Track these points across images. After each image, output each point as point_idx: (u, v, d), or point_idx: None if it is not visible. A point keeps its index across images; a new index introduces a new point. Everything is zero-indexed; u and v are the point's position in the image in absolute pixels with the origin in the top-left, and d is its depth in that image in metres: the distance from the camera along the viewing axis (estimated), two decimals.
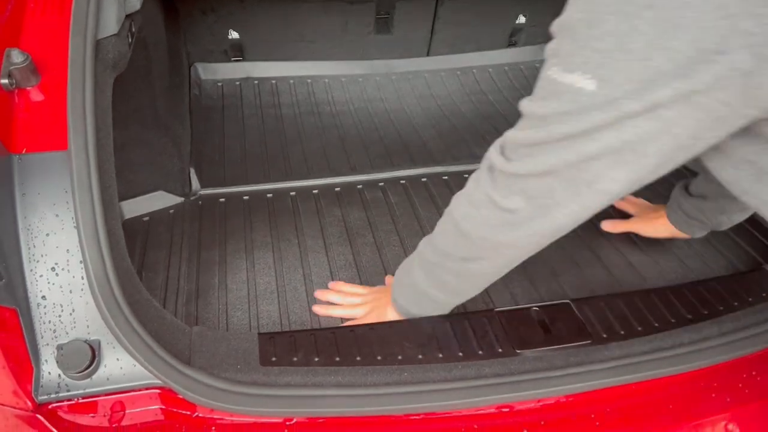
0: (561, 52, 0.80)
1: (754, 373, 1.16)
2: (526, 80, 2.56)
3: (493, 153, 0.96)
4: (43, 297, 1.01)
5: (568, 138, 0.81)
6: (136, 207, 1.67)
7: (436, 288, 1.17)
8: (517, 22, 2.57)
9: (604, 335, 1.17)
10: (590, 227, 1.68)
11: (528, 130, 0.87)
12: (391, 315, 1.27)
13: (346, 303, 1.40)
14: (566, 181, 0.85)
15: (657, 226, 1.55)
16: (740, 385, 1.14)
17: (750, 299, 1.25)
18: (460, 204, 1.07)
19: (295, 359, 1.10)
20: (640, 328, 1.19)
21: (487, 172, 0.98)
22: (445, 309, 1.23)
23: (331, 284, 1.48)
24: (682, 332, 1.18)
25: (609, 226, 1.63)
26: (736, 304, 1.24)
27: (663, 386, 1.13)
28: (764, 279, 1.31)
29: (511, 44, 2.65)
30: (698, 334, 1.17)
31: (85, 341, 1.01)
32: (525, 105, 0.88)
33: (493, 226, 0.97)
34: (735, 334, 1.18)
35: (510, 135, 0.92)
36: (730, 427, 1.11)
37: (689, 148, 0.79)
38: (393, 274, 1.54)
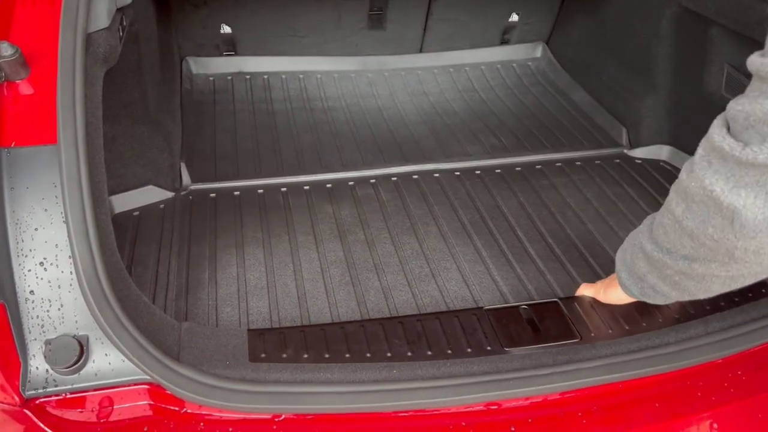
0: None
1: (739, 372, 1.17)
2: (518, 78, 2.57)
3: (715, 134, 0.75)
4: (32, 292, 1.01)
5: None
6: (126, 201, 1.66)
7: (657, 278, 1.02)
8: (509, 19, 2.57)
9: (592, 334, 1.18)
10: (580, 227, 1.69)
11: None
12: (616, 293, 1.18)
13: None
14: None
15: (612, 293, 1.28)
16: (726, 384, 1.15)
17: (736, 299, 1.26)
18: (678, 196, 0.87)
19: (284, 356, 1.10)
20: (627, 327, 1.20)
21: (701, 160, 0.79)
22: (668, 300, 1.08)
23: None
24: (669, 331, 1.18)
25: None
26: (722, 303, 1.25)
27: (650, 385, 1.14)
28: None
29: (504, 42, 2.66)
30: (685, 334, 1.18)
31: (74, 336, 1.01)
32: (764, 62, 0.66)
33: (722, 228, 0.78)
34: (721, 333, 1.19)
35: (743, 108, 0.71)
36: (716, 425, 1.12)
37: None
38: (388, 272, 1.55)
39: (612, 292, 1.22)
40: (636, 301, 1.18)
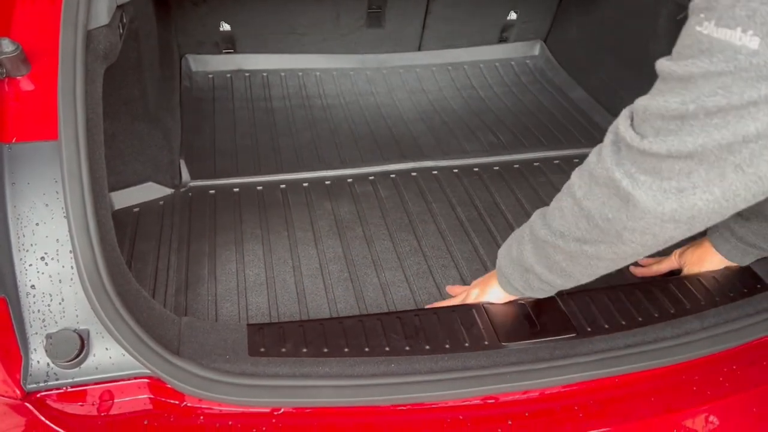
0: (718, 4, 0.69)
1: (734, 367, 1.18)
2: (516, 76, 2.58)
3: (621, 124, 0.86)
4: (32, 286, 1.01)
5: (722, 112, 0.70)
6: (126, 198, 1.67)
7: (543, 267, 1.10)
8: (508, 18, 2.58)
9: (589, 329, 1.19)
10: None
11: (668, 95, 0.76)
12: (495, 291, 1.24)
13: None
14: (711, 164, 0.75)
15: (705, 263, 1.36)
16: (721, 378, 1.16)
17: (731, 294, 1.27)
18: (582, 180, 0.95)
19: (283, 350, 1.11)
20: (623, 322, 1.20)
21: (611, 145, 0.88)
22: (550, 291, 1.18)
23: (447, 288, 1.47)
24: (664, 326, 1.19)
25: (642, 271, 1.48)
26: (718, 299, 1.26)
27: (646, 379, 1.15)
28: (745, 275, 1.33)
29: (502, 40, 2.67)
30: (680, 329, 1.19)
31: (74, 330, 1.01)
32: (665, 65, 0.76)
33: (616, 209, 0.87)
34: (716, 328, 1.19)
35: (643, 103, 0.80)
36: (711, 419, 1.13)
37: None
38: (386, 268, 1.57)
39: (490, 292, 1.25)
40: (530, 300, 1.24)
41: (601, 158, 0.89)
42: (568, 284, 1.12)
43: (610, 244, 0.93)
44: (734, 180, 0.75)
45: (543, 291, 1.18)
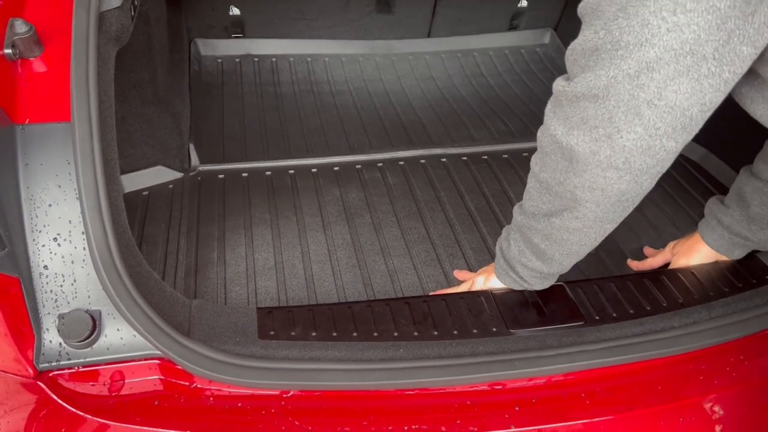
0: None
1: (741, 357, 1.18)
2: (526, 64, 2.56)
3: (556, 82, 0.94)
4: (45, 267, 1.02)
5: (624, 40, 0.78)
6: (136, 181, 1.68)
7: (528, 253, 1.16)
8: (518, 5, 2.56)
9: (597, 317, 1.19)
10: None
11: (585, 31, 0.84)
12: (497, 282, 1.27)
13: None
14: (626, 105, 0.82)
15: (693, 254, 1.36)
16: (728, 368, 1.16)
17: (740, 285, 1.27)
18: (536, 157, 1.04)
19: (292, 333, 1.11)
20: (631, 311, 1.21)
21: (550, 110, 0.96)
22: (542, 279, 1.21)
23: (455, 273, 1.50)
24: (672, 316, 1.20)
25: (638, 264, 1.51)
26: (726, 289, 1.26)
27: (653, 368, 1.16)
28: (754, 265, 1.33)
29: (512, 28, 2.65)
30: (688, 318, 1.19)
31: (86, 311, 1.02)
32: (581, 4, 0.85)
33: (565, 170, 0.95)
34: (724, 318, 1.20)
35: (570, 47, 0.89)
36: (717, 409, 1.14)
37: (741, 54, 0.77)
38: (394, 256, 1.57)
39: (493, 281, 1.28)
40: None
41: (543, 126, 0.98)
42: (553, 269, 1.17)
43: (571, 209, 1.00)
44: (650, 115, 0.82)
45: (536, 279, 1.21)
